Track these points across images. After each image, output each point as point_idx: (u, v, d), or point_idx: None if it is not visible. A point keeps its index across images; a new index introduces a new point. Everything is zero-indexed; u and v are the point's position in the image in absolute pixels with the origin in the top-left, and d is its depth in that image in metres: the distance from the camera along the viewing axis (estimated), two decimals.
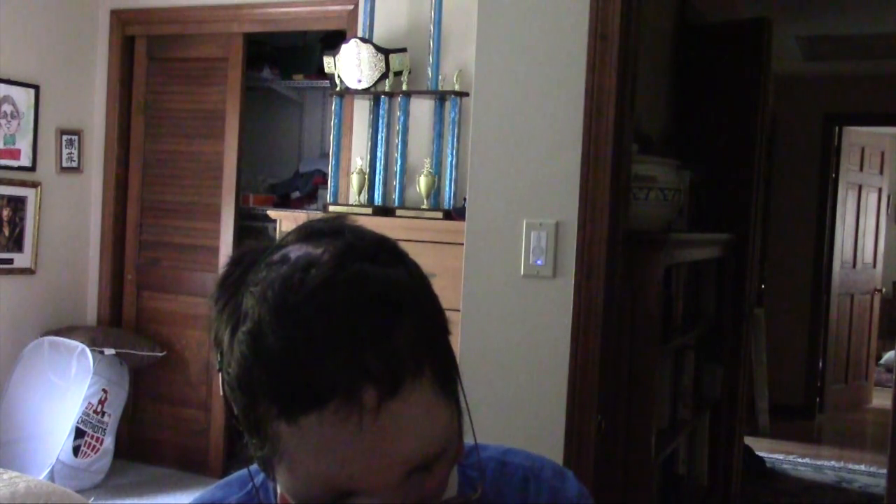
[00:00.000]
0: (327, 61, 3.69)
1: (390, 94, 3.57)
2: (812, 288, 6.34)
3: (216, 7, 4.17)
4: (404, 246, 0.72)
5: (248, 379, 0.65)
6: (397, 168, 3.54)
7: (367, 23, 3.65)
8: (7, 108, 4.06)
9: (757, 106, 3.53)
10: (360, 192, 3.58)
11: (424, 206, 3.42)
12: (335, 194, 3.74)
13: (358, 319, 0.63)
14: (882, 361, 7.97)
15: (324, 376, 0.62)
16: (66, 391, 3.97)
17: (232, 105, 4.18)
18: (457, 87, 3.37)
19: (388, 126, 3.59)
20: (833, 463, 5.08)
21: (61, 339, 4.09)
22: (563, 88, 2.14)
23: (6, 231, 4.10)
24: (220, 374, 0.69)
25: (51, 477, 3.79)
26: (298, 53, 4.61)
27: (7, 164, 4.08)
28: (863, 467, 5.02)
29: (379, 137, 3.60)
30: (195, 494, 0.87)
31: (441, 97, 3.48)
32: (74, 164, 4.39)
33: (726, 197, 3.49)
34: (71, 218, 4.42)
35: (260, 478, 0.83)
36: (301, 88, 4.84)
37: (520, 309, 2.20)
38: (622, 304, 2.20)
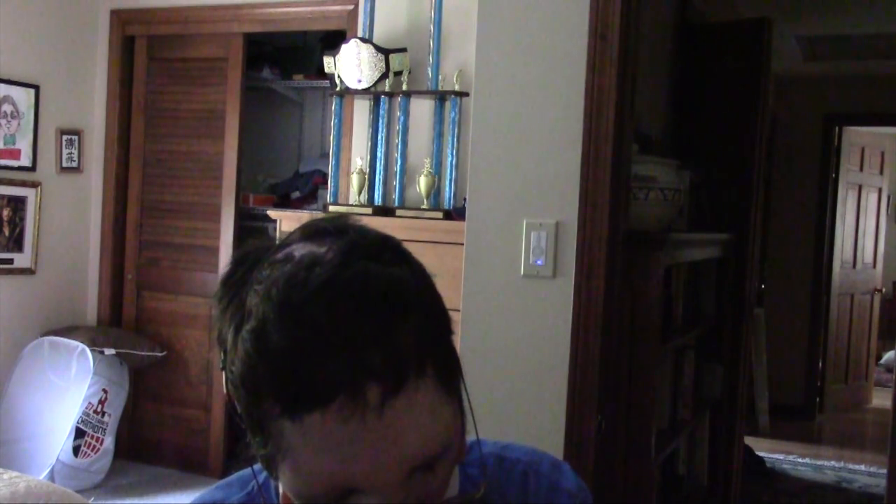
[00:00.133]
0: (327, 61, 3.69)
1: (390, 94, 3.57)
2: (812, 288, 6.34)
3: (216, 7, 4.17)
4: (405, 246, 0.72)
5: (252, 377, 0.65)
6: (397, 168, 3.54)
7: (367, 23, 3.65)
8: (7, 108, 4.06)
9: (757, 106, 3.53)
10: (360, 192, 3.58)
11: (424, 206, 3.43)
12: (335, 194, 3.74)
13: (362, 318, 0.63)
14: (882, 361, 7.97)
15: (327, 374, 0.62)
16: (66, 391, 3.97)
17: (232, 105, 4.18)
18: (457, 87, 3.37)
19: (388, 126, 3.59)
20: (833, 463, 5.08)
21: (61, 339, 4.09)
22: (563, 88, 2.14)
23: (6, 231, 4.10)
24: (223, 373, 0.69)
25: (51, 477, 3.79)
26: (298, 53, 4.62)
27: (7, 164, 4.08)
28: (863, 467, 5.02)
29: (379, 137, 3.60)
30: (195, 494, 0.87)
31: (441, 97, 3.48)
32: (74, 164, 4.39)
33: (726, 197, 3.49)
34: (71, 218, 4.42)
35: (262, 477, 0.83)
36: (301, 88, 4.84)
37: (520, 309, 2.20)
38: (622, 304, 2.20)
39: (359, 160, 3.65)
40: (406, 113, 3.55)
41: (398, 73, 3.54)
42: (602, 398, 2.11)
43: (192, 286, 4.29)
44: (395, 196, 3.53)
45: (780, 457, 5.16)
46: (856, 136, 6.48)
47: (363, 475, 0.64)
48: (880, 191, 6.86)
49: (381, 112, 3.59)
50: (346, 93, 3.66)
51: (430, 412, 0.65)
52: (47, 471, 3.82)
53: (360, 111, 3.76)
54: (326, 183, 3.96)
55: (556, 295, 2.15)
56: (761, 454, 4.99)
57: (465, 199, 2.56)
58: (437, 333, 0.68)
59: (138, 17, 4.38)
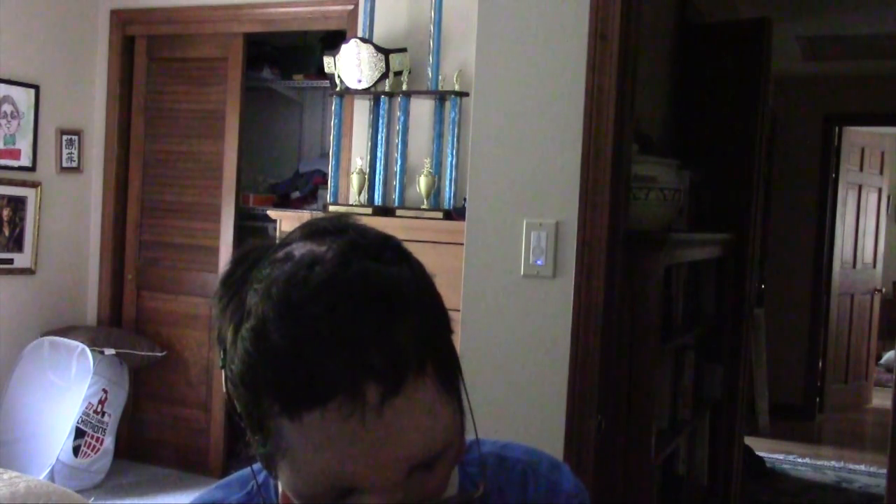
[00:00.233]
0: (327, 61, 3.69)
1: (390, 94, 3.57)
2: (812, 288, 6.34)
3: (216, 7, 4.17)
4: (405, 246, 0.72)
5: (252, 376, 0.65)
6: (397, 168, 3.54)
7: (367, 23, 3.65)
8: (7, 108, 4.06)
9: (757, 106, 3.53)
10: (360, 192, 3.58)
11: (424, 206, 3.42)
12: (335, 194, 3.74)
13: (361, 317, 0.63)
14: (882, 361, 7.97)
15: (327, 373, 0.62)
16: (66, 391, 3.97)
17: (232, 105, 4.18)
18: (457, 87, 3.37)
19: (388, 126, 3.59)
20: (833, 463, 5.08)
21: (61, 339, 4.09)
22: (563, 88, 2.14)
23: (6, 231, 4.10)
24: (222, 372, 0.69)
25: (51, 477, 3.79)
26: (298, 53, 4.61)
27: (7, 164, 4.08)
28: (863, 467, 5.02)
29: (379, 137, 3.60)
30: (195, 494, 0.87)
31: (441, 97, 3.48)
32: (74, 164, 4.39)
33: (726, 197, 3.49)
34: (71, 218, 4.42)
35: (261, 477, 0.83)
36: (301, 88, 4.84)
37: (520, 309, 2.20)
38: (622, 304, 2.20)
39: (359, 160, 3.65)
40: (406, 113, 3.55)
41: (398, 73, 3.54)
42: (602, 398, 2.11)
43: (192, 286, 4.29)
44: (395, 196, 3.53)
45: (780, 457, 5.16)
46: (856, 136, 6.48)
47: (362, 474, 0.64)
48: (880, 191, 6.86)
49: (381, 112, 3.59)
50: (346, 93, 3.66)
51: (430, 412, 0.65)
52: (47, 471, 3.82)
53: (360, 111, 3.76)
54: (326, 183, 3.96)
55: (556, 295, 2.15)
56: (761, 454, 4.99)
57: (465, 199, 2.56)
58: (436, 333, 0.68)
59: (138, 17, 4.38)
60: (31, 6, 4.13)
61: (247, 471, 0.84)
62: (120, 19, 4.42)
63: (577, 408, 2.11)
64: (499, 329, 2.22)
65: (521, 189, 2.20)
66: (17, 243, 4.15)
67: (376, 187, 3.61)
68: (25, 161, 4.16)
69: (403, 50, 3.57)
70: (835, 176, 6.39)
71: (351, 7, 3.82)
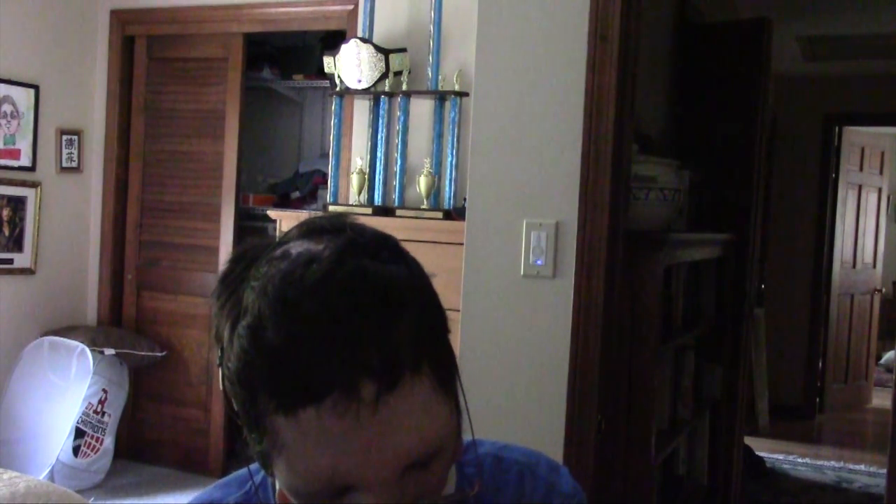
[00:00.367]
0: (327, 61, 3.69)
1: (390, 94, 3.57)
2: (812, 288, 6.34)
3: (216, 7, 4.17)
4: (404, 246, 0.72)
5: (248, 373, 0.65)
6: (397, 168, 3.54)
7: (367, 23, 3.65)
8: (7, 108, 4.06)
9: (757, 106, 3.53)
10: (360, 192, 3.58)
11: (424, 206, 3.43)
12: (335, 194, 3.74)
13: (357, 315, 0.63)
14: (882, 361, 7.97)
15: (322, 370, 0.62)
16: (66, 391, 3.97)
17: (232, 105, 4.18)
18: (457, 87, 3.37)
19: (388, 126, 3.59)
20: (833, 463, 5.08)
21: (61, 339, 4.09)
22: (563, 88, 2.14)
23: (6, 231, 4.10)
24: (219, 369, 0.69)
25: (51, 477, 3.79)
26: (298, 53, 4.62)
27: (7, 164, 4.08)
28: (863, 467, 5.02)
29: (379, 137, 3.60)
30: (195, 494, 0.88)
31: (441, 97, 3.48)
32: (74, 164, 4.39)
33: (726, 197, 3.49)
34: (71, 218, 4.42)
35: (259, 477, 0.83)
36: (301, 88, 4.85)
37: (520, 309, 2.20)
38: (622, 304, 2.20)
39: (359, 160, 3.65)
40: (406, 113, 3.55)
41: (398, 73, 3.54)
42: (602, 398, 2.11)
43: (192, 286, 4.30)
44: (395, 196, 3.53)
45: (780, 457, 5.16)
46: (856, 136, 6.48)
47: (357, 472, 0.64)
48: (880, 191, 6.86)
49: (381, 112, 3.59)
50: (346, 93, 3.66)
51: (426, 410, 0.65)
52: (47, 471, 3.82)
53: (360, 111, 3.76)
54: (326, 183, 3.96)
55: (556, 295, 2.15)
56: (761, 454, 4.99)
57: (465, 199, 2.56)
58: (433, 332, 0.68)
59: (138, 17, 4.38)
60: (31, 6, 4.13)
61: (245, 470, 0.84)
62: (120, 19, 4.42)
63: (577, 408, 2.11)
64: (499, 329, 2.22)
65: (521, 189, 2.20)
66: (17, 243, 4.15)
67: (376, 187, 3.61)
68: (25, 161, 4.16)
69: (403, 50, 3.57)
70: (835, 176, 6.39)
71: (351, 7, 3.82)
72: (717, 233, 3.28)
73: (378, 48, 3.53)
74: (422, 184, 3.43)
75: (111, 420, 4.08)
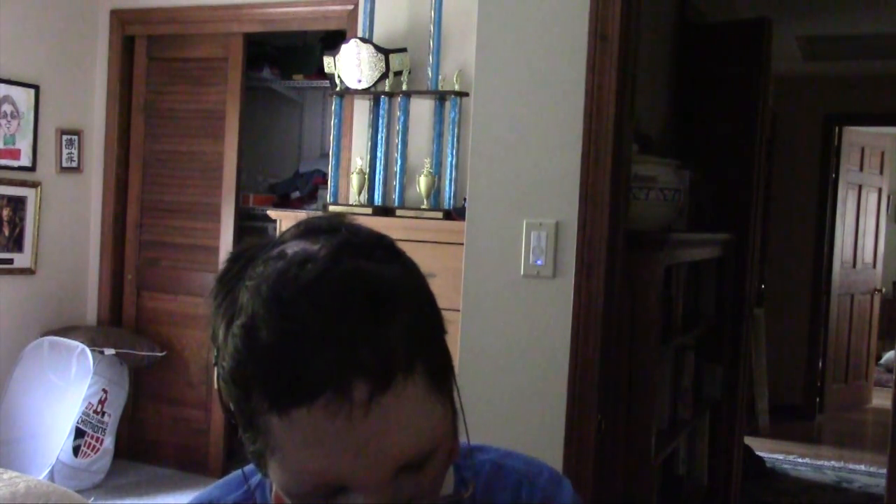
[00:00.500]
0: (327, 61, 3.69)
1: (390, 94, 3.57)
2: (812, 288, 6.34)
3: (216, 7, 4.17)
4: (404, 246, 0.72)
5: (241, 372, 0.65)
6: (397, 168, 3.54)
7: (367, 23, 3.65)
8: (7, 108, 4.06)
9: (757, 106, 3.53)
10: (360, 192, 3.59)
11: (424, 206, 3.43)
12: (335, 194, 3.74)
13: (351, 314, 0.63)
14: (882, 361, 7.97)
15: (314, 370, 0.62)
16: (66, 391, 3.97)
17: (232, 105, 4.18)
18: (457, 87, 3.37)
19: (388, 126, 3.59)
20: (833, 463, 5.08)
21: (61, 339, 4.09)
22: (563, 88, 2.14)
23: (6, 231, 4.10)
24: (215, 369, 0.69)
25: (51, 477, 3.79)
26: (298, 53, 4.62)
27: (7, 164, 4.08)
28: (863, 467, 5.02)
29: (379, 137, 3.60)
30: (195, 494, 0.88)
31: (441, 97, 3.48)
32: (74, 164, 4.39)
33: (726, 197, 3.49)
34: (71, 218, 4.42)
35: (256, 478, 0.83)
36: (301, 88, 4.85)
37: (520, 309, 2.20)
38: (622, 304, 2.20)
39: (359, 160, 3.66)
40: (406, 113, 3.55)
41: (398, 73, 3.54)
42: (602, 398, 2.11)
43: (192, 286, 4.30)
44: (395, 196, 3.53)
45: (780, 457, 5.16)
46: (856, 136, 6.48)
47: (350, 472, 0.64)
48: (880, 191, 6.86)
49: (381, 112, 3.59)
50: (346, 93, 3.66)
51: (419, 411, 0.65)
52: (47, 471, 3.82)
53: (360, 111, 3.76)
54: (326, 183, 3.96)
55: (556, 295, 2.15)
56: (761, 454, 4.99)
57: (465, 199, 2.56)
58: (428, 332, 0.68)
59: (138, 17, 4.38)
60: (31, 6, 4.13)
61: (239, 472, 0.84)
62: (120, 19, 4.42)
63: (577, 408, 2.11)
64: (499, 329, 2.22)
65: (521, 189, 2.20)
66: (17, 243, 4.15)
67: (376, 187, 3.61)
68: (25, 161, 4.16)
69: (403, 50, 3.57)
70: (835, 176, 6.39)
71: (351, 7, 3.82)
72: (717, 233, 3.28)
73: (378, 48, 3.53)
74: (422, 184, 3.43)
75: (111, 420, 4.08)
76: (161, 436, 4.37)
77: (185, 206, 4.32)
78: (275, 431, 0.64)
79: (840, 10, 4.69)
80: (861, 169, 6.61)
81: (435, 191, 3.45)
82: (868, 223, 6.74)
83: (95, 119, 4.48)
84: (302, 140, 5.09)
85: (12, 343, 4.13)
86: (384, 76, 3.54)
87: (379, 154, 3.60)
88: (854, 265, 6.65)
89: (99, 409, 4.01)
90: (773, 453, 5.18)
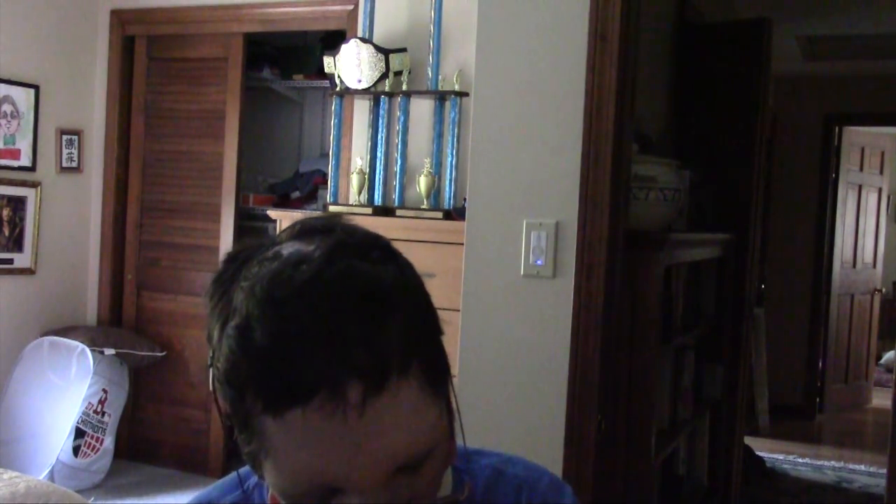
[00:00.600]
0: (327, 61, 3.69)
1: (390, 94, 3.57)
2: (812, 288, 6.34)
3: (216, 7, 4.17)
4: (404, 246, 0.72)
5: (236, 373, 0.65)
6: (397, 168, 3.54)
7: (367, 23, 3.65)
8: (7, 108, 4.06)
9: (757, 106, 3.53)
10: (360, 192, 3.59)
11: (424, 206, 3.42)
12: (335, 194, 3.74)
13: (345, 315, 0.63)
14: (882, 361, 7.97)
15: (308, 371, 0.62)
16: (66, 391, 3.97)
17: (232, 105, 4.18)
18: (457, 87, 3.37)
19: (388, 126, 3.59)
20: (833, 463, 5.08)
21: (61, 339, 4.09)
22: (563, 88, 2.14)
23: (6, 231, 4.10)
24: (210, 370, 0.69)
25: (51, 477, 3.79)
26: (298, 53, 4.61)
27: (7, 164, 4.08)
28: (863, 467, 5.02)
29: (379, 137, 3.60)
30: (194, 494, 0.88)
31: (441, 97, 3.48)
32: (74, 164, 4.39)
33: (726, 197, 3.49)
34: (71, 218, 4.42)
35: (253, 480, 0.83)
36: (301, 88, 4.84)
37: (520, 309, 2.20)
38: (622, 304, 2.20)
39: (359, 160, 3.66)
40: (406, 113, 3.55)
41: (398, 73, 3.54)
42: (602, 398, 2.11)
43: (192, 286, 4.30)
44: (395, 196, 3.53)
45: (780, 457, 5.16)
46: (856, 136, 6.48)
47: (344, 474, 0.63)
48: (880, 191, 6.86)
49: (381, 112, 3.59)
50: (346, 93, 3.66)
51: (414, 412, 0.65)
52: (47, 471, 3.82)
53: (360, 111, 3.76)
54: (326, 183, 3.96)
55: (556, 295, 2.15)
56: (761, 454, 4.99)
57: (465, 199, 2.56)
58: (423, 333, 0.68)
59: (138, 17, 4.38)
60: (31, 6, 4.13)
61: (242, 470, 0.84)
62: (120, 19, 4.42)
63: (577, 408, 2.11)
64: (499, 329, 2.22)
65: (521, 189, 2.20)
66: (17, 243, 4.15)
67: (376, 187, 3.61)
68: (25, 161, 4.16)
69: (403, 50, 3.57)
70: (835, 176, 6.39)
71: (351, 7, 3.82)
72: (717, 233, 3.28)
73: (378, 48, 3.53)
74: (422, 184, 3.43)
75: (111, 420, 4.08)
76: (161, 436, 4.37)
77: (185, 206, 4.32)
78: (269, 432, 0.64)
79: (840, 10, 4.69)
80: (861, 169, 6.61)
81: (435, 191, 3.45)
82: (868, 223, 6.74)
83: (95, 119, 4.48)
84: (302, 140, 5.09)
85: (12, 343, 4.13)
86: (384, 76, 3.54)
87: (379, 154, 3.60)
88: (854, 265, 6.65)
89: (99, 409, 4.01)
90: (773, 453, 5.18)
